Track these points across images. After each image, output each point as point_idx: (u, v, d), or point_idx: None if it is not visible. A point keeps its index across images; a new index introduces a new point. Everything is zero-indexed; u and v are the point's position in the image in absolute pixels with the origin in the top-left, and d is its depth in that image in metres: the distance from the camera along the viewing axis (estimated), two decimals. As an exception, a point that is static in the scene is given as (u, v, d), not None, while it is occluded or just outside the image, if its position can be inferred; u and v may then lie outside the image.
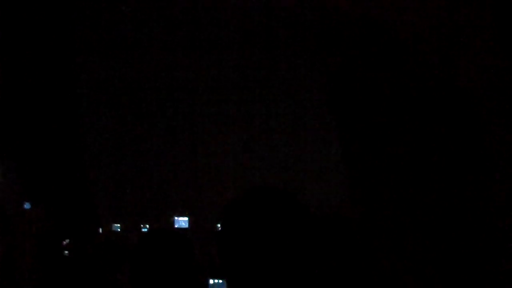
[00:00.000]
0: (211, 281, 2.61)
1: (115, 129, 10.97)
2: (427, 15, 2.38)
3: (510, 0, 2.37)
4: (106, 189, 10.66)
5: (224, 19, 10.08)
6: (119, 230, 8.66)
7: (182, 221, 5.73)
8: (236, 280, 1.46)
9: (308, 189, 10.11)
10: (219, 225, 1.64)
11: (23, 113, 8.70)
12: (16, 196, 2.69)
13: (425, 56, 2.44)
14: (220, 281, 2.81)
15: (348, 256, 1.90)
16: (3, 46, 8.21)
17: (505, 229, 2.70)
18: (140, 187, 10.85)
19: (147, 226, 6.86)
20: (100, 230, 8.47)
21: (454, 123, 2.56)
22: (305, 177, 10.76)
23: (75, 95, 9.59)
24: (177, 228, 4.89)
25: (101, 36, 10.41)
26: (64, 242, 6.41)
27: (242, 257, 1.45)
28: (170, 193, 10.68)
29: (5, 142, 7.90)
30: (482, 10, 2.40)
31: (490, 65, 2.40)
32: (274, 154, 11.16)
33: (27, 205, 7.26)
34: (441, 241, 2.83)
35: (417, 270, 2.86)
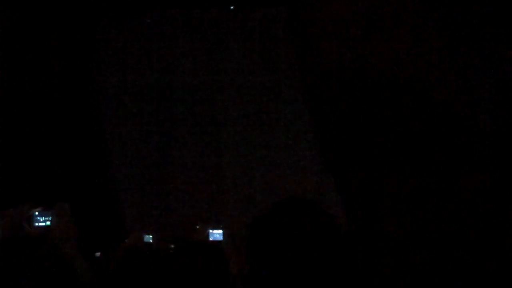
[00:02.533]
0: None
1: (146, 140, 11.00)
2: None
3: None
4: (137, 200, 10.68)
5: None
6: (151, 241, 8.60)
7: (216, 234, 5.63)
8: None
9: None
10: (248, 236, 1.59)
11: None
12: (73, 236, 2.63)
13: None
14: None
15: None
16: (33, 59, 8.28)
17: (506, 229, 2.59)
18: (174, 199, 10.87)
19: (178, 238, 6.77)
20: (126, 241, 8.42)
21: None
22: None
23: (99, 108, 9.61)
24: (212, 240, 4.78)
25: (125, 40, 10.47)
26: (97, 254, 6.32)
27: (271, 268, 1.40)
28: (203, 206, 10.66)
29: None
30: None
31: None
32: (305, 165, 11.12)
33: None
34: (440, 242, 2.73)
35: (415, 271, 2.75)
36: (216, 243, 4.96)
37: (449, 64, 2.16)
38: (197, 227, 6.18)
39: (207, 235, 5.80)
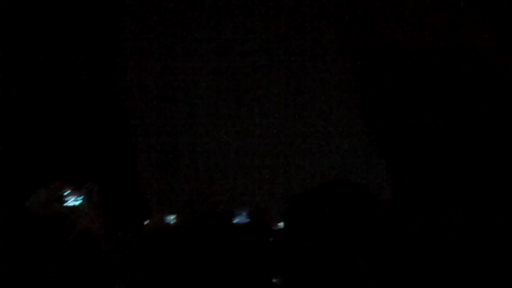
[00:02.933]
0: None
1: (169, 119, 10.99)
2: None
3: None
4: (160, 179, 10.71)
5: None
6: (172, 222, 8.64)
7: (242, 215, 5.62)
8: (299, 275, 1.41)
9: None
10: (283, 221, 1.58)
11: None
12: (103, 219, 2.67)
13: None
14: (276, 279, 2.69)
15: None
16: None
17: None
18: (198, 178, 10.86)
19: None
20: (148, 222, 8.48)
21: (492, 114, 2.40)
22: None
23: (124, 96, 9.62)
24: (237, 222, 4.81)
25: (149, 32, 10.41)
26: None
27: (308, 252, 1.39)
28: (230, 186, 10.65)
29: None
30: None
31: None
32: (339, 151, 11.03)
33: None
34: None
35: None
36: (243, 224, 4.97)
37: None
38: (221, 208, 6.21)
39: (233, 216, 5.83)
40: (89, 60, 8.78)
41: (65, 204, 2.84)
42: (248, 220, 5.89)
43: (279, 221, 7.63)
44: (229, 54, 11.14)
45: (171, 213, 8.07)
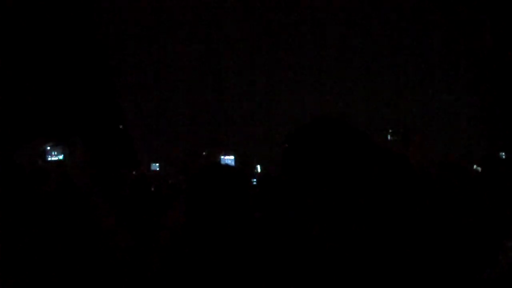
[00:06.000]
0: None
1: (152, 68, 10.97)
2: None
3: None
4: (144, 129, 10.75)
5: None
6: (158, 169, 8.75)
7: (228, 159, 5.69)
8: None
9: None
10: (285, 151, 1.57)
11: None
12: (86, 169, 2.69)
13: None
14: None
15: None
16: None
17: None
18: (179, 125, 10.91)
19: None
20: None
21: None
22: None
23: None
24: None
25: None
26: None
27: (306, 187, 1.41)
28: (215, 131, 10.70)
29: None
30: None
31: None
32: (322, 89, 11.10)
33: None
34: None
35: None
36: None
37: None
38: (203, 153, 6.27)
39: (218, 161, 5.89)
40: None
41: (48, 159, 2.89)
42: (234, 164, 5.99)
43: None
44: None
45: (154, 161, 8.13)
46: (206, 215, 2.37)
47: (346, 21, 11.34)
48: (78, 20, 8.91)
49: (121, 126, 9.77)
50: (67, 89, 8.26)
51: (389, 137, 5.03)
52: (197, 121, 10.52)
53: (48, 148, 2.84)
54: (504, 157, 6.81)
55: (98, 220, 2.53)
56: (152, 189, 6.93)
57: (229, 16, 10.65)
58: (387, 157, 1.74)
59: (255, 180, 6.11)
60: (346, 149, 1.49)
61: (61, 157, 2.84)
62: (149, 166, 8.66)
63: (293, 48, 10.99)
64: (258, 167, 7.73)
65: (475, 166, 5.69)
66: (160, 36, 10.68)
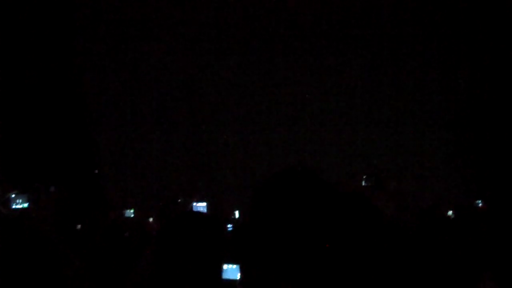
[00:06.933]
0: (225, 266, 2.53)
1: (126, 116, 10.97)
2: None
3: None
4: (119, 174, 10.68)
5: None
6: (132, 216, 8.66)
7: (200, 207, 5.64)
8: (257, 264, 1.42)
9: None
10: (247, 207, 1.61)
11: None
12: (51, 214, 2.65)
13: None
14: (234, 266, 2.73)
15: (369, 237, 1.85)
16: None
17: None
18: (155, 172, 10.88)
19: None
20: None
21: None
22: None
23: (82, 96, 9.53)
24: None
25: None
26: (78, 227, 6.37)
27: (272, 240, 1.42)
28: (187, 179, 10.68)
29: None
30: None
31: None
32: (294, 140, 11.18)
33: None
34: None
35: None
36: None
37: None
38: (179, 200, 6.21)
39: (191, 208, 5.85)
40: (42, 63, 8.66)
41: (12, 207, 2.83)
42: (206, 211, 5.95)
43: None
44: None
45: (129, 207, 8.03)
46: (173, 262, 2.35)
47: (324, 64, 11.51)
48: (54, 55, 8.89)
49: (96, 171, 9.66)
50: (37, 130, 8.15)
51: (363, 183, 5.04)
52: (174, 167, 10.46)
53: (13, 196, 2.79)
54: (480, 205, 6.84)
55: (61, 269, 2.47)
56: (126, 234, 6.83)
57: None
58: (347, 205, 1.77)
59: (230, 226, 6.05)
60: (309, 201, 1.53)
61: (25, 205, 2.79)
62: (123, 212, 8.57)
63: (272, 92, 11.09)
64: (237, 213, 7.71)
65: (450, 213, 5.71)
66: (140, 76, 10.72)
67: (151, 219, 7.49)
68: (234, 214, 7.36)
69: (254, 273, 1.53)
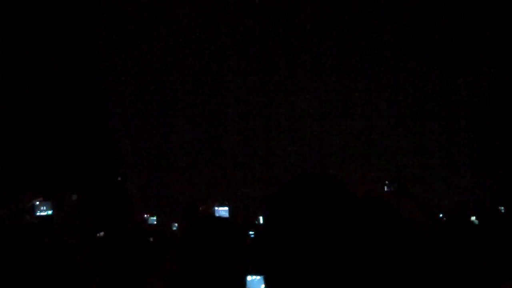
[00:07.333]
0: (248, 278, 2.52)
1: (147, 123, 11.04)
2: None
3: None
4: (142, 181, 10.73)
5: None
6: (155, 223, 8.70)
7: (222, 211, 5.64)
8: (280, 275, 1.40)
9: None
10: (263, 217, 1.60)
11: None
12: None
13: None
14: (258, 277, 2.71)
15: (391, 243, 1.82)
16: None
17: None
18: (177, 179, 10.91)
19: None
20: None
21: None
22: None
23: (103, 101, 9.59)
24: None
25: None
26: (98, 235, 6.41)
27: (290, 250, 1.40)
28: (209, 183, 10.69)
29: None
30: None
31: None
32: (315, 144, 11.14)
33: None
34: None
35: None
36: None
37: None
38: (200, 208, 6.23)
39: (213, 212, 5.85)
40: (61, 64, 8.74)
41: (37, 214, 2.85)
42: (227, 215, 5.94)
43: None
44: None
45: (152, 215, 8.07)
46: (195, 266, 2.36)
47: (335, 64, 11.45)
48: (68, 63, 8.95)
49: (119, 178, 9.73)
50: (62, 138, 8.24)
51: (385, 188, 4.99)
52: (197, 173, 10.49)
53: (37, 203, 2.82)
54: (503, 211, 6.76)
55: (85, 278, 2.48)
56: (151, 239, 6.88)
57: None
58: (368, 209, 1.74)
59: (252, 232, 6.03)
60: (324, 208, 1.51)
61: (50, 212, 2.81)
62: (147, 219, 8.62)
63: (289, 94, 11.07)
64: (261, 218, 7.68)
65: (473, 218, 5.64)
66: (159, 82, 10.76)
67: (174, 227, 7.52)
68: (258, 219, 7.34)
69: (278, 285, 1.50)
